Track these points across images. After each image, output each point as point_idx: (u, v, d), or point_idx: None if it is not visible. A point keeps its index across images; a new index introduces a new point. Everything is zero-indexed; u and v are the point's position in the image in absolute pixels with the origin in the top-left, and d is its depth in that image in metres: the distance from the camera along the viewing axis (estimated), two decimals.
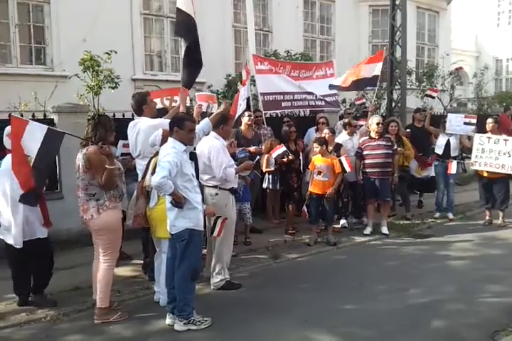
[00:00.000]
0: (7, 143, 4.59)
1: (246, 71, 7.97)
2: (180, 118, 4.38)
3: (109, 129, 4.41)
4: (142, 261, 5.66)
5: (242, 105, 7.55)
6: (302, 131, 8.19)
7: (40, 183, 4.48)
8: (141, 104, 5.04)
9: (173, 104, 6.38)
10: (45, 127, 4.40)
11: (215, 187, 5.06)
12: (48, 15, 8.87)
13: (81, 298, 4.81)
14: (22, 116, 6.73)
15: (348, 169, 6.94)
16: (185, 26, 5.45)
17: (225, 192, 5.11)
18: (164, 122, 4.71)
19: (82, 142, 4.35)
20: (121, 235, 4.50)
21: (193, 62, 5.48)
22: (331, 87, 8.85)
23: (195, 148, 4.94)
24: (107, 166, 4.20)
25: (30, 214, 4.54)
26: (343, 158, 6.95)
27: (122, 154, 5.83)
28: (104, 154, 4.18)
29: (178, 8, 5.47)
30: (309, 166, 6.90)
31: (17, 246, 4.45)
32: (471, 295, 4.91)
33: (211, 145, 4.99)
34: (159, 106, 6.30)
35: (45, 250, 4.71)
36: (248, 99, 7.85)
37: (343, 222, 7.70)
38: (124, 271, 5.62)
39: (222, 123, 5.11)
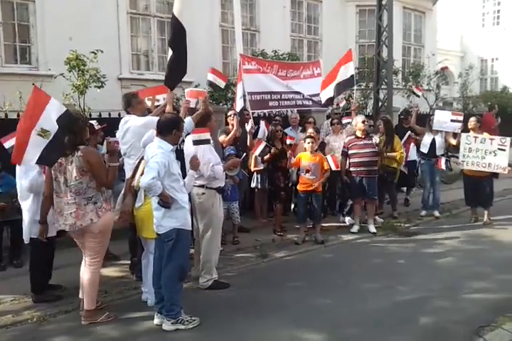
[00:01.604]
0: None
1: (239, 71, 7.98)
2: (177, 121, 4.35)
3: (90, 129, 4.39)
4: (129, 261, 5.63)
5: (239, 103, 7.63)
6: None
7: (54, 156, 4.29)
8: (127, 106, 5.08)
9: (156, 103, 6.35)
10: (64, 108, 4.40)
11: (201, 186, 5.05)
12: (32, 13, 8.78)
13: (68, 298, 4.77)
14: (7, 116, 6.71)
15: (333, 167, 6.99)
16: (179, 36, 5.50)
17: (212, 192, 5.10)
18: (151, 120, 4.70)
19: (74, 145, 4.20)
20: (109, 237, 4.47)
21: (177, 67, 5.53)
22: (325, 104, 8.90)
23: (181, 147, 4.95)
24: (110, 164, 4.20)
25: (38, 212, 4.60)
26: (328, 157, 7.00)
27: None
28: (110, 151, 4.23)
29: (173, 15, 5.50)
30: (293, 163, 6.90)
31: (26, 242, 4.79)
32: (457, 292, 4.97)
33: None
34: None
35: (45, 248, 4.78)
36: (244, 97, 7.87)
37: (348, 219, 7.79)
38: (111, 271, 5.60)
39: (207, 121, 5.11)
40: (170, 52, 5.50)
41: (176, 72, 5.60)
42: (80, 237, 4.33)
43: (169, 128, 4.19)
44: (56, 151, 4.26)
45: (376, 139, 7.37)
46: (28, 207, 4.76)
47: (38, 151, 4.24)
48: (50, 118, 4.28)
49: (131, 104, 5.06)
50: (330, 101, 8.61)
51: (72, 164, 4.14)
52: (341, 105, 9.18)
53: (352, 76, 8.57)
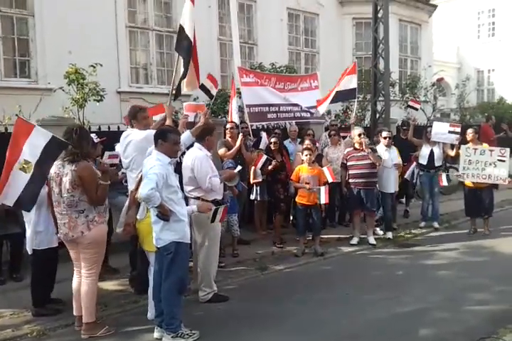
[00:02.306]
0: None
1: (232, 84, 8.07)
2: (164, 131, 4.38)
3: (91, 142, 4.41)
4: (129, 275, 5.61)
5: (235, 116, 7.70)
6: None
7: (36, 190, 4.44)
8: (131, 118, 5.11)
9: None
10: (50, 134, 4.42)
11: (197, 198, 5.06)
12: (32, 27, 8.85)
13: (68, 312, 4.73)
14: (6, 130, 6.73)
15: (330, 179, 7.01)
16: (183, 46, 5.75)
17: (208, 204, 5.08)
18: (151, 134, 4.73)
19: (65, 157, 4.27)
20: (105, 249, 4.49)
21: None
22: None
23: (180, 160, 4.97)
24: (101, 182, 4.20)
25: (40, 224, 4.71)
26: (325, 168, 7.03)
27: (110, 165, 5.81)
28: (103, 170, 4.24)
29: (180, 26, 5.73)
30: (292, 177, 6.93)
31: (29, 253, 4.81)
32: (457, 304, 4.96)
33: (195, 157, 5.01)
34: None
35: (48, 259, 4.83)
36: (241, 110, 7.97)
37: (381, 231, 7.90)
38: (110, 284, 5.58)
39: (207, 135, 5.14)
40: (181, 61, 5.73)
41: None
42: (75, 248, 4.36)
43: (156, 139, 4.24)
44: (35, 190, 4.39)
45: (378, 154, 7.44)
46: (30, 218, 4.77)
47: (17, 191, 4.40)
48: (33, 147, 4.34)
49: (137, 117, 5.07)
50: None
51: (66, 176, 4.19)
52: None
53: (354, 89, 8.67)
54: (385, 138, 7.67)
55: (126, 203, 4.58)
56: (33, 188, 4.43)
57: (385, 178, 7.60)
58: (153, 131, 4.76)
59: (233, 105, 8.04)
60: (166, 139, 4.23)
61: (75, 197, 4.20)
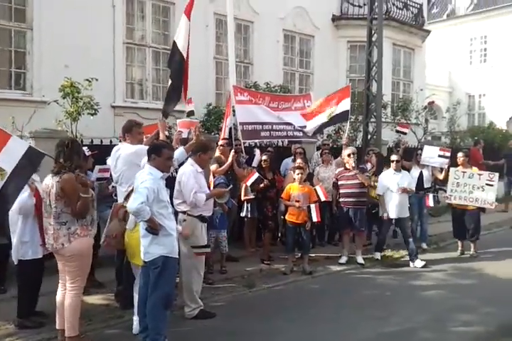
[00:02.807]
0: None
1: (228, 102, 8.16)
2: (158, 146, 4.41)
3: (82, 155, 4.43)
4: (115, 289, 5.57)
5: (227, 131, 7.77)
6: (280, 161, 8.35)
7: (10, 199, 4.39)
8: (125, 131, 5.10)
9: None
10: (26, 144, 4.45)
11: (183, 212, 5.07)
12: (30, 41, 8.93)
13: (50, 325, 4.66)
14: None
15: (322, 198, 7.06)
16: (174, 61, 5.83)
17: (193, 219, 5.08)
18: (143, 148, 4.76)
19: (54, 169, 4.29)
20: (90, 262, 4.44)
21: (173, 94, 5.80)
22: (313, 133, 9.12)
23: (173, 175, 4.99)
24: (81, 195, 4.17)
25: (26, 234, 4.70)
26: (318, 187, 7.07)
27: (98, 179, 5.83)
28: (81, 183, 4.17)
29: (173, 42, 5.82)
30: (282, 195, 6.96)
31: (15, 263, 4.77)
32: (442, 324, 4.96)
33: (184, 171, 5.07)
34: None
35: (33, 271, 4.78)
36: (230, 129, 8.02)
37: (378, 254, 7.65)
38: (96, 298, 5.53)
39: (201, 151, 5.17)
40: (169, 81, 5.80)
41: (172, 99, 5.86)
42: (61, 259, 4.35)
43: (149, 154, 4.26)
44: (8, 199, 4.32)
45: (368, 174, 7.49)
46: (16, 228, 4.75)
47: None
48: (9, 157, 4.31)
49: (132, 131, 5.07)
50: (318, 130, 8.80)
51: (53, 188, 4.21)
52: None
53: (347, 111, 8.80)
54: (392, 161, 7.54)
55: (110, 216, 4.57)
56: (5, 197, 4.34)
57: (392, 202, 7.42)
58: (143, 146, 4.82)
59: (227, 122, 8.11)
60: (160, 154, 4.25)
61: (58, 208, 4.22)
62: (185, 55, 5.93)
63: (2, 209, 4.46)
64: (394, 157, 7.62)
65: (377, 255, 7.64)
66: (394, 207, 7.40)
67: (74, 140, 4.71)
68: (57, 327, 4.40)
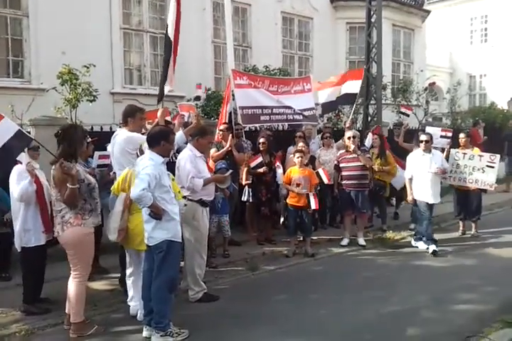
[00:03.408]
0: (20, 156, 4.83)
1: (227, 87, 8.14)
2: (167, 132, 4.39)
3: (75, 142, 4.30)
4: (119, 275, 5.61)
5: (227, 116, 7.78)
6: (282, 145, 8.34)
7: None
8: (127, 116, 4.99)
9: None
10: (17, 127, 4.49)
11: (184, 197, 5.09)
12: (26, 28, 8.86)
13: (56, 312, 4.74)
14: None
15: (326, 181, 7.07)
16: (166, 45, 5.79)
17: (194, 204, 5.10)
18: (135, 137, 4.77)
19: (63, 156, 4.25)
20: (90, 251, 4.40)
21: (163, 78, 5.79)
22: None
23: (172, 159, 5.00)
24: (68, 185, 4.11)
25: (28, 221, 4.73)
26: (320, 170, 7.08)
27: (99, 166, 5.83)
28: (64, 173, 4.09)
29: (166, 25, 5.79)
30: (284, 179, 6.97)
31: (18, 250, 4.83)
32: (444, 304, 5.01)
33: (182, 156, 5.10)
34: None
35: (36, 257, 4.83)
36: (230, 113, 8.00)
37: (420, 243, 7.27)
38: (100, 284, 5.59)
39: (198, 136, 5.16)
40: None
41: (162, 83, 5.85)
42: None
43: (158, 140, 4.23)
44: None
45: (369, 155, 7.48)
46: (18, 216, 4.79)
47: None
48: None
49: (135, 116, 4.99)
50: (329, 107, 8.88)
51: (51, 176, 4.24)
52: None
53: (356, 94, 8.77)
54: (421, 141, 7.06)
55: (120, 208, 4.50)
56: None
57: (420, 185, 7.01)
58: (137, 135, 4.79)
59: (227, 107, 8.08)
60: (169, 140, 4.27)
61: (53, 196, 4.26)
62: (172, 38, 5.82)
63: None
64: (423, 137, 7.05)
65: (420, 244, 7.22)
66: (428, 190, 6.96)
67: (67, 128, 4.52)
68: (66, 311, 4.45)
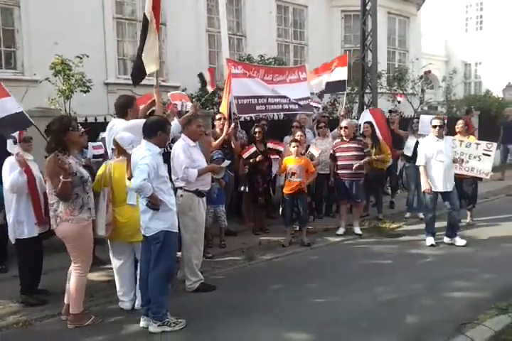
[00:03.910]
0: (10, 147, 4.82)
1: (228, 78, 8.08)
2: (164, 122, 4.38)
3: (56, 133, 4.22)
4: None
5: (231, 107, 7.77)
6: (278, 134, 8.32)
7: None
8: (127, 107, 4.96)
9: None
10: (20, 108, 4.45)
11: (180, 188, 5.09)
12: (18, 18, 8.75)
13: (54, 303, 4.76)
14: None
15: (316, 154, 7.14)
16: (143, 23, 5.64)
17: (189, 194, 5.10)
18: (138, 123, 4.73)
19: (49, 148, 4.23)
20: (87, 244, 4.37)
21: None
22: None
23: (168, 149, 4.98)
24: (61, 178, 4.05)
25: (20, 213, 4.74)
26: (311, 148, 7.12)
27: (94, 156, 5.80)
28: (59, 166, 4.02)
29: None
30: (280, 170, 6.97)
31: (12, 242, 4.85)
32: (440, 291, 5.05)
33: (175, 147, 5.10)
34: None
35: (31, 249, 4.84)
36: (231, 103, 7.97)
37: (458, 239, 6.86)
38: (97, 275, 5.58)
39: (186, 124, 5.19)
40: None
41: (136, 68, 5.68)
42: None
43: (154, 130, 4.21)
44: None
45: (367, 149, 7.51)
46: (11, 208, 4.79)
47: None
48: None
49: (133, 105, 4.98)
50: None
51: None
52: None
53: (344, 81, 8.73)
54: (434, 126, 6.67)
55: (104, 204, 4.50)
56: None
57: (436, 174, 6.64)
58: (140, 121, 4.75)
59: (229, 98, 8.00)
60: (165, 130, 4.26)
61: (47, 189, 4.25)
62: (150, 17, 5.59)
63: None
64: (436, 122, 6.69)
65: (430, 240, 6.83)
66: (439, 179, 6.62)
67: (52, 120, 4.42)
68: (64, 301, 4.47)
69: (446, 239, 6.92)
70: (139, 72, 5.80)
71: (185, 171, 4.97)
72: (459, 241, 6.79)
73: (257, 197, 7.34)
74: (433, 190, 6.67)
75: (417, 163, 6.86)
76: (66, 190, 4.11)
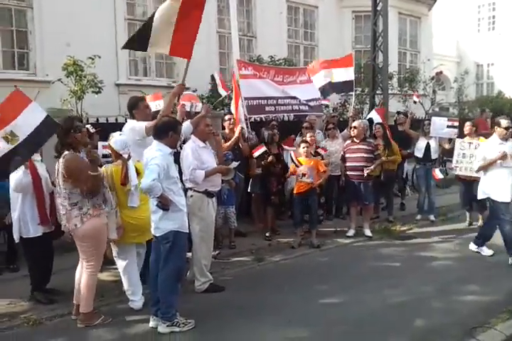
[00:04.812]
0: None
1: (233, 78, 8.10)
2: (176, 123, 4.41)
3: (65, 135, 4.25)
4: None
5: (241, 109, 7.72)
6: (288, 135, 8.30)
7: (14, 165, 4.43)
8: (131, 108, 5.07)
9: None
10: (44, 113, 4.37)
11: (190, 189, 5.10)
12: (31, 20, 8.85)
13: (64, 302, 4.78)
14: None
15: (322, 152, 7.33)
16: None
17: (199, 195, 5.10)
18: (138, 125, 4.79)
19: (57, 150, 4.27)
20: (105, 241, 4.45)
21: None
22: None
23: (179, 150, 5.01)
24: (90, 172, 4.13)
25: (25, 212, 4.76)
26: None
27: (104, 155, 5.83)
28: (91, 160, 4.14)
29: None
30: (290, 172, 6.95)
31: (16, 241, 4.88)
32: (450, 294, 5.01)
33: (185, 148, 5.12)
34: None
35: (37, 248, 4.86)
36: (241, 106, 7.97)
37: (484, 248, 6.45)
38: (106, 275, 5.60)
39: (193, 126, 5.21)
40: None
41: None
42: (76, 239, 4.37)
43: (166, 131, 4.23)
44: (13, 164, 4.32)
45: (378, 151, 7.48)
46: (16, 207, 4.81)
47: None
48: (26, 124, 4.28)
49: (139, 106, 5.04)
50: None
51: (60, 169, 4.21)
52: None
53: (351, 81, 8.69)
54: (506, 128, 5.88)
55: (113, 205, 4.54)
56: (9, 161, 4.35)
57: (502, 181, 5.89)
58: (138, 124, 4.79)
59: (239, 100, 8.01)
60: (177, 131, 4.28)
61: (67, 189, 4.21)
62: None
63: (3, 173, 4.49)
64: (504, 123, 5.88)
65: (486, 251, 6.36)
66: (508, 186, 5.85)
67: (64, 120, 4.46)
68: (74, 301, 4.50)
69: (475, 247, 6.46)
70: (138, 43, 5.50)
71: (192, 172, 4.98)
72: (486, 251, 6.40)
73: (270, 197, 7.31)
74: (503, 200, 5.88)
75: (476, 165, 6.23)
76: (97, 185, 4.19)
